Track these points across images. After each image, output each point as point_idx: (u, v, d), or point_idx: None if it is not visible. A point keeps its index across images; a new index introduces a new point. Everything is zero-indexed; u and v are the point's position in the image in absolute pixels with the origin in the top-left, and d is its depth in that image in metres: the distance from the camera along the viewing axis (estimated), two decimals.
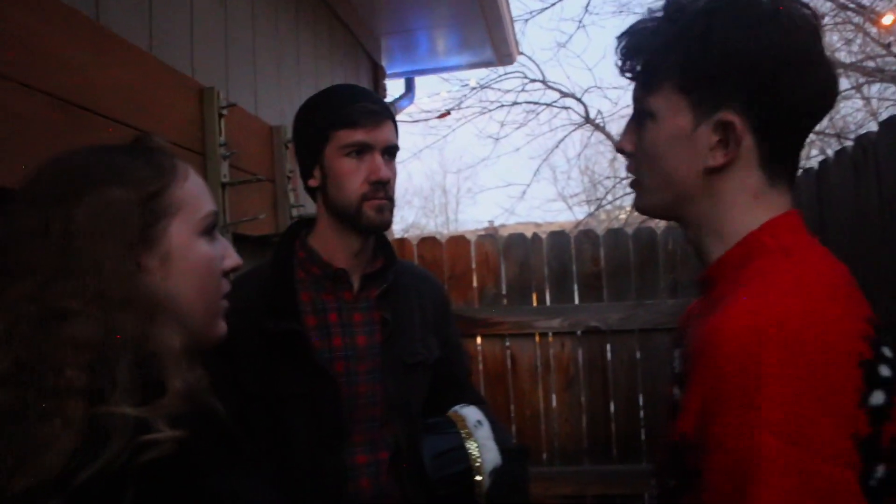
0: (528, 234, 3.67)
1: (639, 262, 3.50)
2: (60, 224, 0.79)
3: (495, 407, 3.41)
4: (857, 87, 11.00)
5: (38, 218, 0.79)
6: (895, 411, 0.78)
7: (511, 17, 4.38)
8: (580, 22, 14.42)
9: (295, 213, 2.38)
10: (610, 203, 12.70)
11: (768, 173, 0.93)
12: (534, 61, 14.42)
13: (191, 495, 0.76)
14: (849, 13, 10.26)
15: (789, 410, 0.73)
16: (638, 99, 0.99)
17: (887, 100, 11.09)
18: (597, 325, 3.48)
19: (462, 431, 1.55)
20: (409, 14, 3.86)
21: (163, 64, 1.72)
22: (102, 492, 0.70)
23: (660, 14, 0.96)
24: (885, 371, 0.78)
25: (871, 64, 10.55)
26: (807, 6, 0.93)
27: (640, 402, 3.50)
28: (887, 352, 0.81)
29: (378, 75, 4.26)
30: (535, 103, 11.71)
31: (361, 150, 1.48)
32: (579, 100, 11.44)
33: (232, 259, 0.98)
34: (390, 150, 1.53)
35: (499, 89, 11.55)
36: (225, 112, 1.90)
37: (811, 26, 0.91)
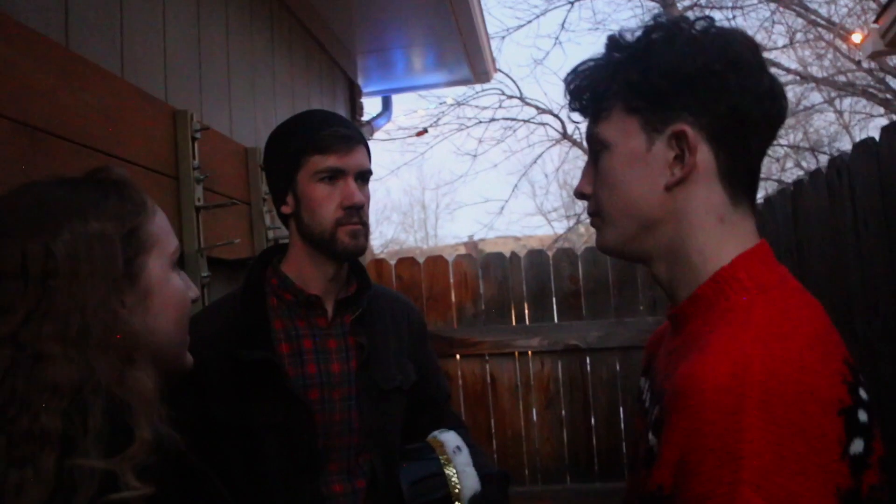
0: (508, 248, 3.68)
1: (617, 280, 3.51)
2: (39, 260, 0.75)
3: (476, 426, 3.40)
4: (830, 101, 11.18)
5: (14, 253, 0.75)
6: (873, 458, 0.77)
7: (487, 35, 4.40)
8: (556, 39, 14.59)
9: (271, 235, 2.35)
10: (588, 218, 12.77)
11: (729, 190, 0.92)
12: (511, 78, 14.50)
13: None
14: (820, 30, 10.44)
15: (771, 466, 0.71)
16: (591, 134, 0.99)
17: (859, 113, 11.28)
18: (576, 343, 3.47)
19: (441, 457, 1.53)
20: (386, 33, 3.86)
21: (135, 87, 1.70)
22: None
23: (601, 52, 0.98)
24: (862, 416, 0.77)
25: (842, 78, 10.73)
26: (737, 29, 0.96)
27: (621, 418, 3.50)
28: (863, 394, 0.79)
29: (355, 94, 4.26)
30: (513, 119, 11.80)
31: (334, 175, 1.47)
32: (556, 116, 11.53)
33: (193, 291, 0.97)
34: (363, 175, 1.52)
35: (476, 106, 11.62)
36: (198, 135, 1.88)
37: (748, 40, 0.93)
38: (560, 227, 14.38)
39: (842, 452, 0.74)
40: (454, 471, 1.50)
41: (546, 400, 3.53)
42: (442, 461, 1.52)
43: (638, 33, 0.95)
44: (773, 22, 10.75)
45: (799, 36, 10.81)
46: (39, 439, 0.70)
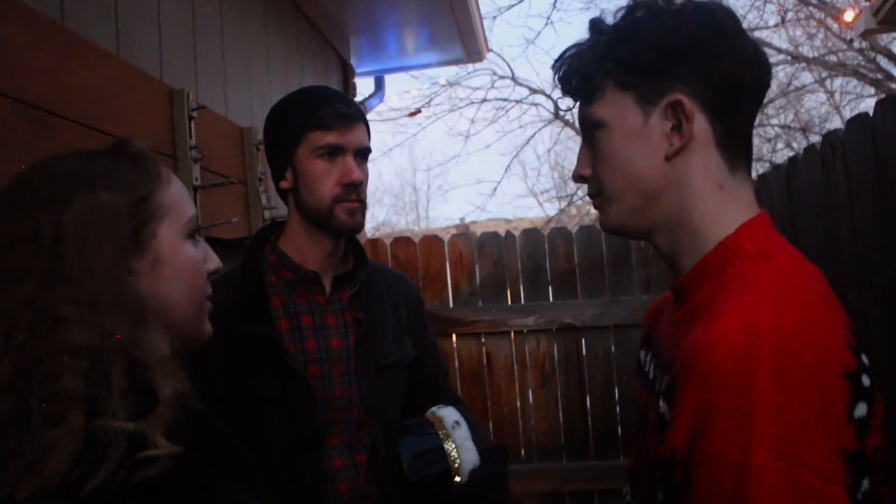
0: (500, 230, 3.67)
1: (612, 259, 3.52)
2: (50, 229, 0.78)
3: (472, 405, 3.41)
4: (821, 82, 11.18)
5: (26, 222, 0.78)
6: (875, 421, 0.79)
7: (480, 15, 4.38)
8: (548, 18, 14.51)
9: (267, 214, 2.36)
10: (580, 199, 12.79)
11: (726, 156, 0.94)
12: (503, 58, 14.47)
13: None
14: (811, 9, 10.42)
15: (782, 427, 0.73)
16: (584, 115, 1.00)
17: (849, 93, 11.29)
18: (571, 321, 3.49)
19: (440, 432, 1.54)
20: (378, 12, 3.85)
21: (131, 66, 1.69)
22: None
23: (585, 37, 1.00)
24: (866, 380, 0.79)
25: (833, 58, 10.73)
26: (716, 1, 0.98)
27: (616, 397, 3.51)
28: (865, 359, 0.81)
29: (347, 74, 4.24)
30: (505, 100, 11.77)
31: (334, 152, 1.48)
32: (549, 96, 11.51)
33: (213, 262, 0.98)
34: (362, 152, 1.52)
35: (468, 86, 11.59)
36: (195, 114, 1.88)
37: (726, 9, 0.96)
38: (552, 209, 14.41)
39: (847, 415, 0.76)
40: (453, 445, 1.52)
41: (541, 378, 3.55)
42: (441, 436, 1.53)
43: (620, 14, 0.97)
44: (765, 1, 10.73)
45: (790, 15, 10.80)
46: (66, 400, 0.72)
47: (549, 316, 3.52)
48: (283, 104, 1.56)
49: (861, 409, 0.77)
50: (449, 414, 1.59)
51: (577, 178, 1.05)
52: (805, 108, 11.76)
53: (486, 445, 1.56)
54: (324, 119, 1.47)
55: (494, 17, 11.76)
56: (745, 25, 1.03)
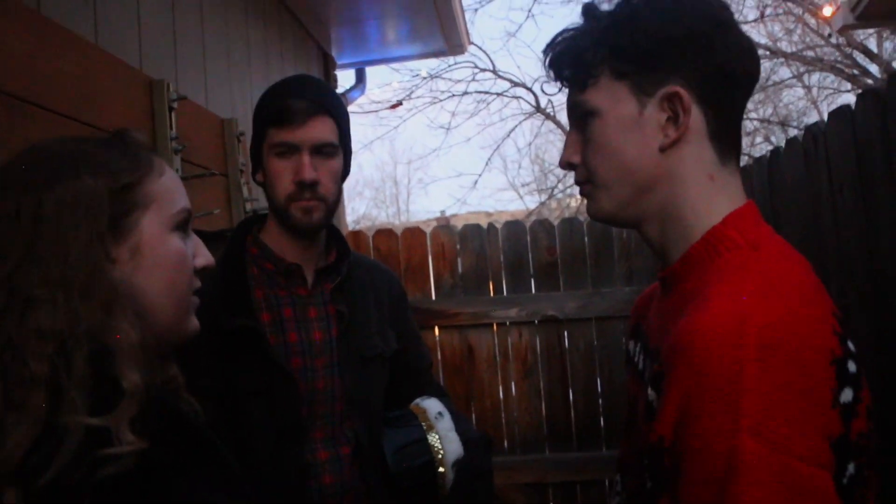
0: (481, 223, 3.67)
1: (594, 251, 3.53)
2: (30, 210, 0.78)
3: (455, 397, 3.41)
4: (799, 77, 11.27)
5: (10, 203, 0.79)
6: (861, 407, 0.80)
7: (462, 7, 4.38)
8: (529, 11, 14.43)
9: (248, 206, 2.34)
10: (561, 192, 12.82)
11: (718, 148, 0.94)
12: (484, 51, 14.44)
13: None
14: (789, 4, 10.50)
15: (769, 413, 0.74)
16: (576, 103, 0.99)
17: (827, 88, 11.39)
18: (554, 313, 3.50)
19: (423, 424, 1.54)
20: (360, 4, 3.82)
21: (110, 56, 1.67)
22: None
23: (578, 22, 0.99)
24: (852, 367, 0.80)
25: (810, 54, 10.81)
26: None
27: (599, 389, 3.53)
28: (851, 346, 0.82)
29: (329, 66, 4.22)
30: (486, 93, 11.76)
31: (287, 150, 1.45)
32: (529, 89, 11.51)
33: (203, 257, 0.97)
34: (322, 149, 1.47)
35: (449, 79, 11.58)
36: (175, 105, 1.86)
37: (722, 2, 0.96)
38: (532, 202, 14.45)
39: (833, 401, 0.77)
40: (437, 436, 1.52)
41: (524, 370, 3.56)
42: (425, 427, 1.53)
43: (615, 0, 0.96)
44: None
45: (769, 11, 10.87)
46: (29, 384, 0.72)
47: (531, 308, 3.52)
48: (260, 98, 1.55)
49: (847, 395, 0.78)
50: (432, 405, 1.59)
51: (565, 165, 1.03)
52: (783, 102, 11.86)
53: (469, 436, 1.56)
54: (278, 115, 1.45)
55: (476, 10, 11.75)
56: None
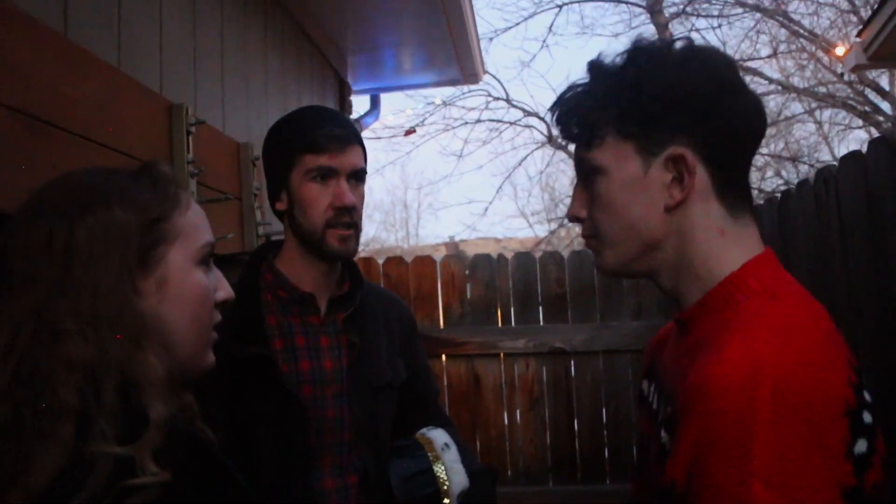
0: (490, 249, 3.69)
1: (603, 284, 3.53)
2: (62, 240, 0.79)
3: (460, 426, 3.40)
4: (810, 112, 11.31)
5: (42, 232, 0.79)
6: (876, 458, 0.79)
7: (478, 37, 4.41)
8: (544, 42, 14.61)
9: (262, 230, 2.35)
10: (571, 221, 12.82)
11: (727, 204, 0.94)
12: (498, 80, 14.54)
13: None
14: (802, 41, 10.56)
15: (782, 462, 0.74)
16: (583, 159, 1.00)
17: (838, 124, 11.42)
18: (561, 345, 3.49)
19: (430, 454, 1.54)
20: (377, 31, 3.86)
21: (132, 80, 1.69)
22: None
23: (585, 79, 1.00)
24: (867, 417, 0.80)
25: (822, 90, 10.86)
26: (715, 48, 1.00)
27: (604, 422, 3.51)
28: (867, 396, 0.82)
29: (344, 92, 4.26)
30: (499, 121, 11.82)
31: (326, 174, 1.47)
32: (542, 119, 11.57)
33: (225, 291, 0.97)
34: (357, 175, 1.51)
35: (463, 107, 11.64)
36: (193, 129, 1.88)
37: (727, 60, 0.97)
38: (542, 230, 14.45)
39: (846, 452, 0.76)
40: (443, 467, 1.51)
41: (530, 401, 3.55)
42: (431, 458, 1.53)
43: (620, 59, 0.97)
44: (758, 32, 10.87)
45: (782, 47, 10.94)
46: (58, 414, 0.72)
47: (539, 339, 3.52)
48: (278, 125, 1.57)
49: (861, 446, 0.78)
50: (439, 436, 1.58)
51: (573, 218, 1.05)
52: (794, 137, 11.88)
53: (475, 468, 1.56)
54: (317, 141, 1.46)
55: (491, 39, 11.86)
56: (737, 56, 1.05)
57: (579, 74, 1.02)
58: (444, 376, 3.54)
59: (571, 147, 1.05)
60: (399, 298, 1.80)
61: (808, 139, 11.92)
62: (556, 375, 3.54)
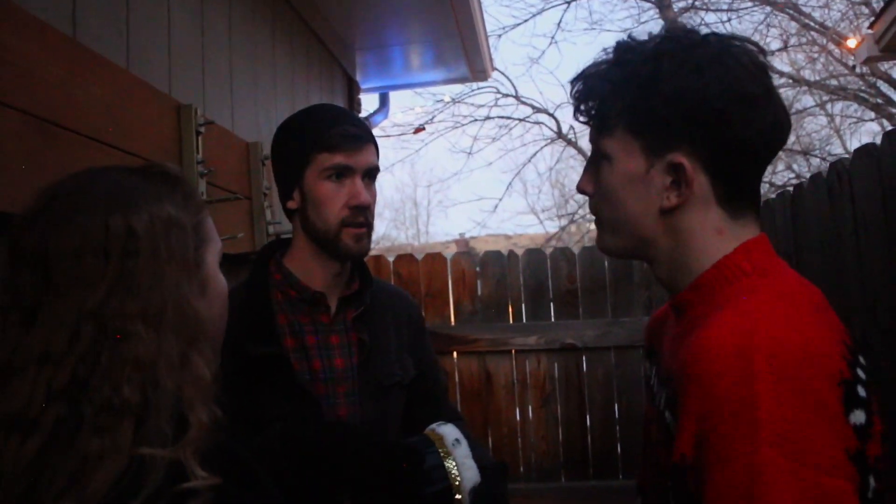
0: (500, 246, 3.69)
1: (614, 280, 3.52)
2: (121, 236, 0.77)
3: (472, 423, 3.41)
4: (821, 105, 11.23)
5: (95, 228, 0.77)
6: (874, 431, 0.80)
7: (486, 34, 4.40)
8: (553, 38, 14.55)
9: (271, 229, 2.36)
10: (581, 217, 12.81)
11: (729, 209, 0.94)
12: (507, 76, 14.52)
13: None
14: (813, 34, 10.49)
15: (787, 425, 0.74)
16: (594, 141, 1.01)
17: (850, 117, 11.34)
18: (573, 341, 3.49)
19: (440, 450, 1.53)
20: (385, 30, 3.87)
21: (141, 81, 1.70)
22: None
23: (610, 56, 0.99)
24: (862, 392, 0.80)
25: (834, 82, 10.78)
26: (753, 42, 0.96)
27: (616, 417, 3.51)
28: (862, 374, 0.82)
29: (353, 90, 4.26)
30: (508, 118, 11.81)
31: (342, 173, 1.47)
32: (552, 115, 11.56)
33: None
34: (371, 173, 1.51)
35: (472, 104, 11.64)
36: (202, 129, 1.88)
37: (758, 64, 0.94)
38: (552, 226, 14.43)
39: (845, 417, 0.77)
40: (454, 463, 1.51)
41: (542, 398, 3.55)
42: (441, 454, 1.53)
43: (645, 49, 0.95)
44: (768, 25, 10.80)
45: (793, 40, 10.86)
46: (119, 410, 0.72)
47: (550, 336, 3.51)
48: (290, 124, 1.56)
49: (859, 416, 0.78)
50: (449, 431, 1.58)
51: (580, 190, 1.06)
52: (806, 130, 11.81)
53: (486, 463, 1.55)
54: (332, 140, 1.46)
55: (499, 36, 11.84)
56: None
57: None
58: (455, 373, 3.54)
59: (581, 143, 1.06)
60: (407, 295, 1.80)
61: (819, 132, 11.86)
62: (568, 372, 3.54)
